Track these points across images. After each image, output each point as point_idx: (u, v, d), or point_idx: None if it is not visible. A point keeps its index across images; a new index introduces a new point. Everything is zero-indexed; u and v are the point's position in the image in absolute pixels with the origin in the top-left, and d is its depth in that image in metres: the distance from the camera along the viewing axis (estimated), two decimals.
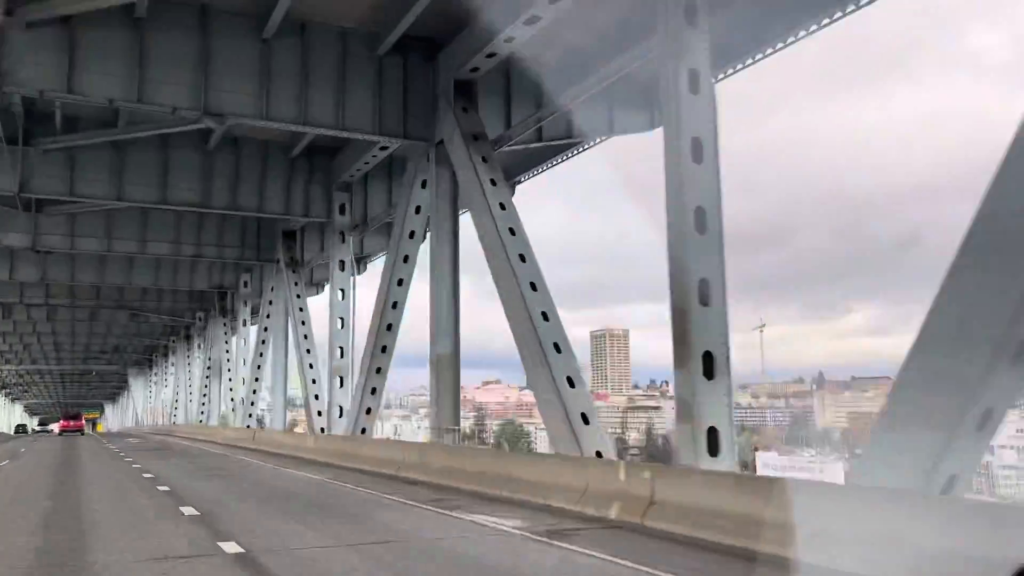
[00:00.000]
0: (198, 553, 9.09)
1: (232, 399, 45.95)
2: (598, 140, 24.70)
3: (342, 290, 29.45)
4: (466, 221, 20.39)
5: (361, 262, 35.95)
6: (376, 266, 42.37)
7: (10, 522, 12.02)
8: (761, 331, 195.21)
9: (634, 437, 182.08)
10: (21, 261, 39.00)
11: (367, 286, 34.47)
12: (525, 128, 22.53)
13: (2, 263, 38.70)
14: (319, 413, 31.26)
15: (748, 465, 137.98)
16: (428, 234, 22.64)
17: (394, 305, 24.66)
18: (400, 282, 24.36)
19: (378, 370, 25.38)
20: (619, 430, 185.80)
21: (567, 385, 16.18)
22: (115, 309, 53.16)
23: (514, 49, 18.33)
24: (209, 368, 52.41)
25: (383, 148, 25.13)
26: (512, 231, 18.48)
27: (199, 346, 57.92)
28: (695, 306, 12.76)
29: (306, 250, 36.23)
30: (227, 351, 47.96)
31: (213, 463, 25.35)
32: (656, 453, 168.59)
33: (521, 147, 24.27)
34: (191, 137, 27.96)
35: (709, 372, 12.78)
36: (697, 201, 12.95)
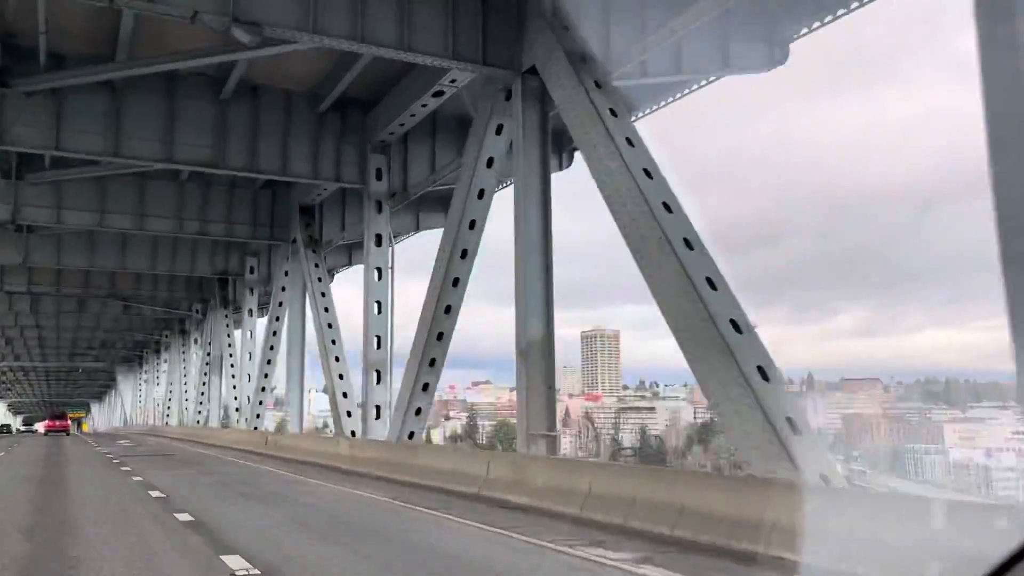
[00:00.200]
0: None
1: (236, 398, 40.93)
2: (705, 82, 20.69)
3: (378, 269, 24.54)
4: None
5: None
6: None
7: None
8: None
9: (627, 438, 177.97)
10: (0, 241, 33.93)
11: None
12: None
13: None
14: (348, 414, 26.35)
15: (742, 467, 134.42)
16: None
17: (455, 282, 19.82)
18: (464, 254, 19.54)
19: (432, 362, 20.53)
20: (612, 431, 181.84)
21: (759, 378, 11.29)
22: (105, 299, 47.94)
23: None
24: (208, 364, 47.33)
25: (437, 94, 20.39)
26: (648, 173, 13.65)
27: (196, 341, 52.76)
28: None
29: (324, 231, 31.43)
30: (229, 345, 42.90)
31: (233, 475, 20.38)
32: (650, 454, 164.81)
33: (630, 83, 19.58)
34: (203, 86, 23.49)
35: None
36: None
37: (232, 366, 42.18)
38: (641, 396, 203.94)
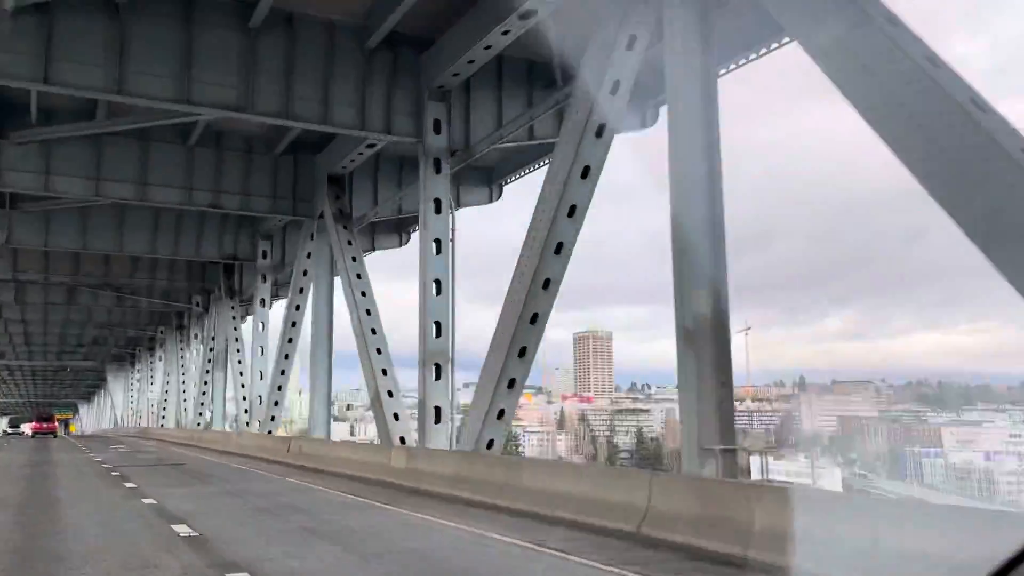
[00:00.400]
0: None
1: (245, 398, 36.13)
2: None
3: (437, 240, 19.87)
4: None
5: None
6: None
7: None
8: (747, 334, 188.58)
9: (623, 440, 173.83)
10: None
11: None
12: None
13: None
14: (396, 416, 21.65)
15: (743, 471, 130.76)
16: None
17: (558, 249, 15.24)
18: (572, 211, 14.98)
19: (522, 352, 15.94)
20: (608, 433, 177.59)
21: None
22: (97, 288, 43.02)
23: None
24: (210, 361, 42.49)
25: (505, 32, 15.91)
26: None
27: (196, 336, 47.85)
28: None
29: (354, 205, 26.86)
30: (236, 339, 38.06)
31: (270, 495, 15.59)
32: (648, 456, 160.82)
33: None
34: (227, 12, 19.03)
35: None
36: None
37: (240, 362, 37.35)
38: (634, 398, 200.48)
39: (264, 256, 34.23)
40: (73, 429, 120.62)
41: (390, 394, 21.85)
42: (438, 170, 20.05)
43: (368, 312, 23.51)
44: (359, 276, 24.36)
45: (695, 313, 11.52)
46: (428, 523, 11.54)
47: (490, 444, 16.58)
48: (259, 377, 33.73)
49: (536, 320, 15.64)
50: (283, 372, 30.64)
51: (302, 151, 27.15)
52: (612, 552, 8.84)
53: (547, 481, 12.77)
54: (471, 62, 18.57)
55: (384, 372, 22.29)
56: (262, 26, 18.94)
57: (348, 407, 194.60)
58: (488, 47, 17.75)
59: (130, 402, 75.91)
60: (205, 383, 43.28)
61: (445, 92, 20.09)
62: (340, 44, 20.02)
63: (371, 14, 19.33)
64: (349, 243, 25.07)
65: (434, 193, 19.90)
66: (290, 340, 30.11)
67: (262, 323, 34.27)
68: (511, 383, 16.17)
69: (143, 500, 14.15)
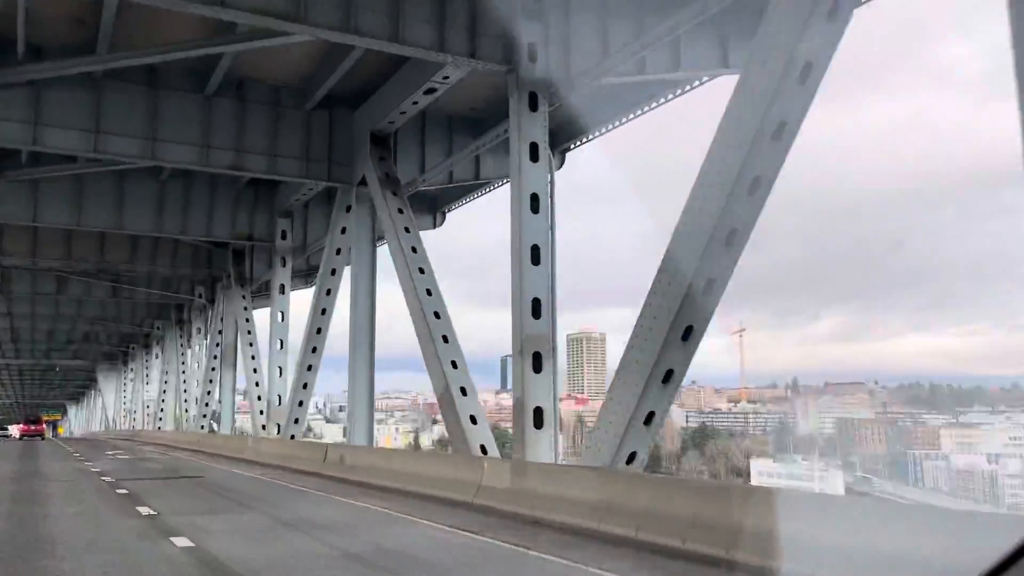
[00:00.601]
0: None
1: (260, 398, 31.53)
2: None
3: (533, 196, 15.37)
4: None
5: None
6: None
7: None
8: (741, 335, 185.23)
9: None
10: None
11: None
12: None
13: None
14: (472, 420, 17.08)
15: (742, 473, 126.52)
16: None
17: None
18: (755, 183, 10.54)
19: (687, 332, 11.51)
20: None
21: None
22: (91, 276, 38.35)
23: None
24: (216, 358, 37.80)
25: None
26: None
27: (199, 330, 43.10)
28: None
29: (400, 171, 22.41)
30: (249, 332, 33.41)
31: (349, 529, 10.91)
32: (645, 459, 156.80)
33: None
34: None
35: None
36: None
37: (253, 358, 32.72)
38: None
39: (283, 236, 29.63)
40: (61, 431, 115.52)
41: (463, 392, 17.31)
42: (533, 107, 15.58)
43: (429, 292, 18.99)
44: (415, 250, 19.85)
45: None
46: None
47: (631, 458, 12.15)
48: (278, 374, 29.11)
49: (712, 288, 11.19)
50: (310, 367, 26.04)
51: (338, 105, 22.66)
52: None
53: (770, 520, 8.28)
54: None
55: (454, 365, 17.74)
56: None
57: (341, 408, 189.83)
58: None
59: (123, 403, 70.86)
60: (210, 381, 38.59)
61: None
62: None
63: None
64: (400, 211, 20.57)
65: (530, 136, 15.43)
66: (319, 331, 25.53)
67: (281, 313, 29.61)
68: (667, 376, 11.71)
69: (173, 541, 9.55)
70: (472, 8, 15.75)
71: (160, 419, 50.77)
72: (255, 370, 32.32)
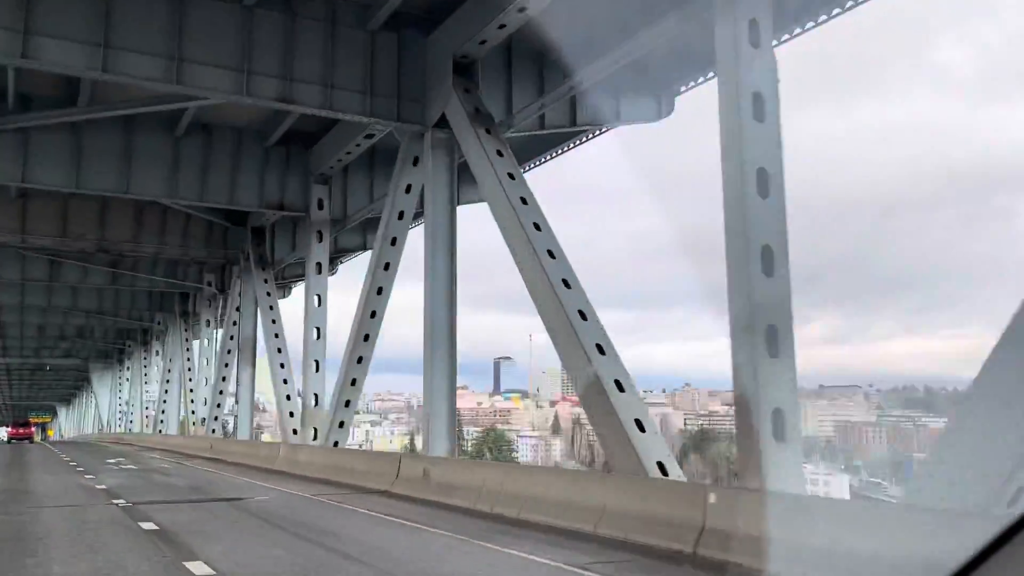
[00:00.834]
0: None
1: (289, 396, 26.46)
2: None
3: (759, 97, 10.42)
4: None
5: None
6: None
7: None
8: None
9: None
10: None
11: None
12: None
13: None
14: (639, 425, 11.95)
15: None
16: None
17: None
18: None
19: None
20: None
21: None
22: (86, 263, 33.17)
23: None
24: (230, 352, 32.64)
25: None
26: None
27: (208, 323, 37.83)
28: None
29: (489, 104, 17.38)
30: (274, 320, 28.24)
31: None
32: None
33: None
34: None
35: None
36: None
37: (280, 351, 27.59)
38: None
39: (320, 206, 24.55)
40: (51, 434, 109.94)
41: (620, 387, 12.26)
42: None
43: (552, 255, 13.97)
44: (525, 201, 14.85)
45: None
46: None
47: None
48: (314, 368, 24.01)
49: None
50: (360, 360, 20.96)
51: (408, 26, 17.63)
52: None
53: None
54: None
55: (601, 350, 12.70)
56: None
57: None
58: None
59: (117, 404, 65.28)
60: (223, 379, 33.38)
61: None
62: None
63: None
64: (499, 154, 15.57)
65: (751, 12, 10.45)
66: (373, 314, 20.49)
67: (318, 296, 24.46)
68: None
69: None
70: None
71: (162, 422, 45.40)
72: (282, 365, 27.18)
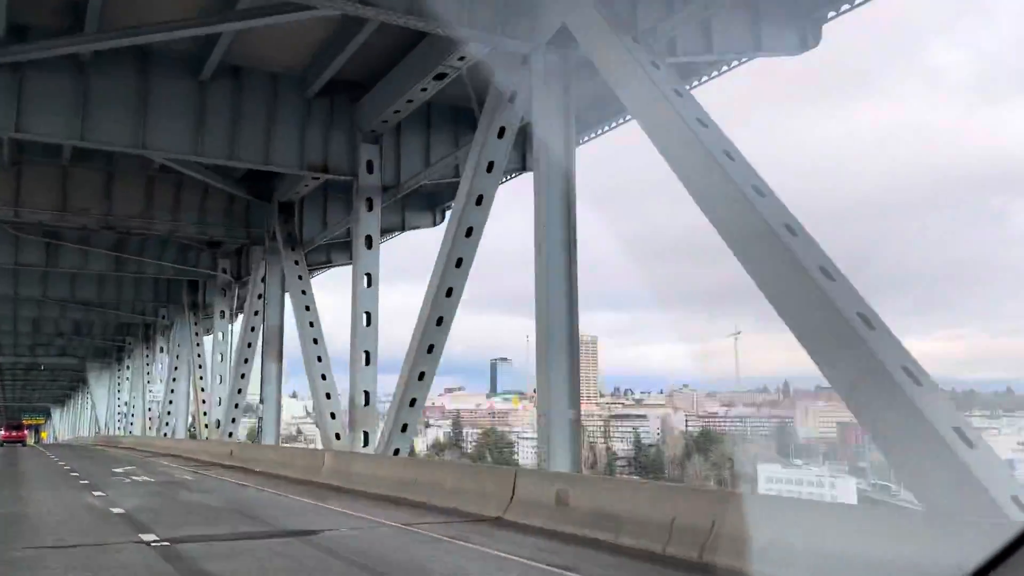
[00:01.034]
0: None
1: (329, 395, 22.26)
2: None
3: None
4: None
5: None
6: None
7: None
8: (736, 338, 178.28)
9: (620, 448, 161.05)
10: None
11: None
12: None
13: None
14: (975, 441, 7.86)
15: (750, 479, 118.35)
16: None
17: None
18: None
19: None
20: (603, 439, 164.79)
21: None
22: (89, 246, 28.91)
23: None
24: (250, 346, 28.44)
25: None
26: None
27: (223, 314, 33.50)
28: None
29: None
30: (308, 307, 24.00)
31: None
32: (647, 464, 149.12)
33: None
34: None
35: None
36: None
37: (316, 341, 23.36)
38: (620, 403, 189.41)
39: (369, 169, 20.40)
40: (45, 436, 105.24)
41: (913, 379, 8.08)
42: None
43: (758, 192, 9.83)
44: (703, 123, 10.71)
45: None
46: None
47: None
48: (364, 361, 19.83)
49: None
50: (431, 348, 16.80)
51: None
52: None
53: None
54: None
55: (866, 322, 8.54)
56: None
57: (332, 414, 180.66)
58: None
59: (117, 406, 60.71)
60: (242, 376, 29.11)
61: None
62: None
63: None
64: (655, 66, 11.42)
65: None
66: (449, 292, 16.34)
67: (367, 276, 20.25)
68: None
69: None
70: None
71: (167, 424, 41.02)
72: (319, 358, 22.96)
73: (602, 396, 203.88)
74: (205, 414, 33.85)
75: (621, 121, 19.90)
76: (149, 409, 47.40)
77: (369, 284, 20.11)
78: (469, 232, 15.86)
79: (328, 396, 22.15)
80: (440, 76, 16.99)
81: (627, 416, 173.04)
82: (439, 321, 16.52)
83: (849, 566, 6.48)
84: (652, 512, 9.32)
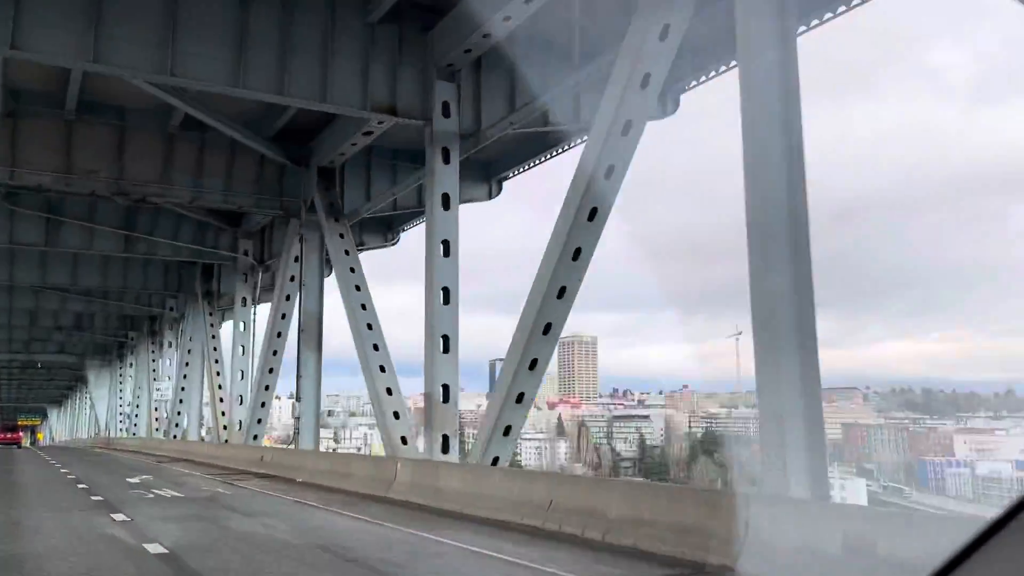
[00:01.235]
0: None
1: (391, 390, 18.16)
2: None
3: None
4: None
5: None
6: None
7: None
8: (737, 339, 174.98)
9: (623, 448, 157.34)
10: None
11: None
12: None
13: None
14: None
15: (757, 483, 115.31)
16: None
17: None
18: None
19: None
20: (606, 440, 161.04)
21: None
22: (94, 211, 24.80)
23: None
24: (280, 335, 24.31)
25: None
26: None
27: (244, 301, 29.30)
28: None
29: None
30: (358, 287, 19.88)
31: None
32: (652, 466, 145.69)
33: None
34: None
35: None
36: None
37: (370, 327, 19.24)
38: (619, 404, 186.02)
39: (446, 112, 16.34)
40: (41, 437, 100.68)
41: None
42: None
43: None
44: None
45: None
46: None
47: None
48: (441, 348, 15.74)
49: None
50: (548, 328, 12.72)
51: None
52: None
53: None
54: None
55: None
56: None
57: (329, 413, 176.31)
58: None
59: (119, 405, 56.33)
60: (270, 371, 24.99)
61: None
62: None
63: None
64: None
65: None
66: (577, 254, 12.30)
67: (444, 243, 16.14)
68: None
69: None
70: None
71: (177, 425, 36.80)
72: (376, 347, 18.85)
73: (600, 397, 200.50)
74: (223, 414, 29.69)
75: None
76: (156, 409, 43.11)
77: (447, 253, 16.04)
78: (610, 172, 11.79)
79: (389, 392, 18.04)
80: None
81: (631, 417, 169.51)
82: (561, 292, 12.48)
83: None
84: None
